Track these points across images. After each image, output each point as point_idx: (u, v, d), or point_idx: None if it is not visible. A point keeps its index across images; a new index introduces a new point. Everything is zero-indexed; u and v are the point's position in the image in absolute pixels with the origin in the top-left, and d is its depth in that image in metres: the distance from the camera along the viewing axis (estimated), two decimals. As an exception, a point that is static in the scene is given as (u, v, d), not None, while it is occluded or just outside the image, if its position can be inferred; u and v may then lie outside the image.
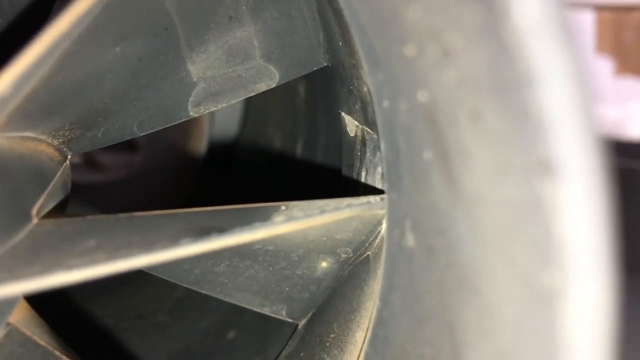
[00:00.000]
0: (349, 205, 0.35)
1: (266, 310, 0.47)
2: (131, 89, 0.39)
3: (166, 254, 0.30)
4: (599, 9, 1.95)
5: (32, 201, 0.32)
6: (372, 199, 0.36)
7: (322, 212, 0.34)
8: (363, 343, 0.38)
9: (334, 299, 0.44)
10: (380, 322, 0.34)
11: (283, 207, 0.35)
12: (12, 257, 0.28)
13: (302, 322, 0.48)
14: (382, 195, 0.36)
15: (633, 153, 1.40)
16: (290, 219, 0.33)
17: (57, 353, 0.33)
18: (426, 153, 0.25)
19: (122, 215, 0.33)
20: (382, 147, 0.32)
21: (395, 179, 0.31)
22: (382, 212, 0.36)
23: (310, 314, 0.47)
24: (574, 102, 0.16)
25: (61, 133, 0.39)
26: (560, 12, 0.15)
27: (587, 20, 1.98)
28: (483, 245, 0.22)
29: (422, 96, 0.24)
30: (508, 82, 0.17)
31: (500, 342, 0.21)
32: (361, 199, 0.36)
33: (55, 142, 0.39)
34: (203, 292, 0.45)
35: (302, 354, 0.47)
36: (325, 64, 0.45)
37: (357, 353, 0.39)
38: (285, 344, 0.50)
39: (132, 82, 0.38)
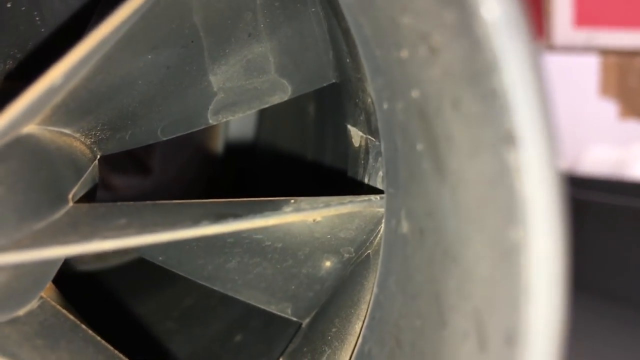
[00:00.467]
0: (351, 202, 0.39)
1: (272, 308, 0.50)
2: (158, 95, 0.43)
3: (188, 232, 0.33)
4: (605, 52, 2.00)
5: (69, 187, 0.36)
6: (373, 197, 0.40)
7: (327, 205, 0.38)
8: (360, 330, 0.41)
9: (336, 297, 0.47)
10: (377, 305, 0.37)
11: (292, 201, 0.38)
12: (53, 229, 0.32)
13: (305, 321, 0.51)
14: (382, 195, 0.40)
15: (636, 192, 1.44)
16: (298, 209, 0.37)
17: (84, 327, 0.37)
18: (419, 145, 0.29)
19: (147, 202, 0.37)
20: (383, 147, 0.36)
21: (393, 175, 0.35)
22: (382, 210, 0.40)
23: (314, 313, 0.50)
24: (530, 82, 0.19)
25: (93, 133, 0.43)
26: (519, 9, 0.19)
27: (592, 64, 2.03)
28: (463, 217, 0.25)
29: (415, 93, 0.28)
30: (480, 69, 0.21)
31: (475, 300, 0.25)
32: (362, 197, 0.40)
33: (88, 141, 0.43)
34: (215, 288, 0.49)
35: (304, 349, 0.50)
36: (334, 81, 0.49)
37: (356, 341, 0.42)
38: (289, 342, 0.53)
39: (159, 88, 0.43)
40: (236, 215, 0.35)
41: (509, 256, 0.22)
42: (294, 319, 0.51)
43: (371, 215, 0.41)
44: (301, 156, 0.65)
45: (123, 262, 0.81)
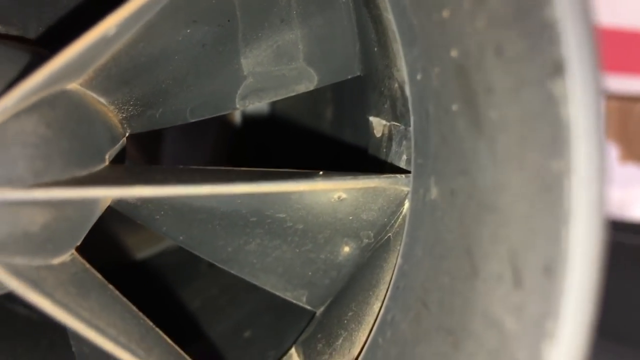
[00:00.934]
0: (378, 177, 0.40)
1: (288, 295, 0.50)
2: (191, 73, 0.44)
3: (224, 188, 0.34)
4: (606, 97, 2.02)
5: (106, 148, 0.37)
6: (399, 175, 0.41)
7: (355, 178, 0.39)
8: (380, 309, 0.42)
9: (353, 283, 0.48)
10: (401, 275, 0.38)
11: (321, 173, 0.39)
12: (95, 176, 0.32)
13: (320, 310, 0.52)
14: (407, 174, 0.41)
15: (635, 231, 1.47)
16: (328, 178, 0.38)
17: (111, 287, 0.38)
18: (454, 106, 0.30)
19: (181, 167, 0.38)
20: (412, 120, 0.37)
21: (422, 145, 0.36)
22: (406, 189, 0.41)
23: (328, 301, 0.51)
24: (580, 13, 0.21)
25: (126, 107, 0.44)
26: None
27: (592, 108, 2.05)
28: (501, 163, 0.27)
29: (454, 53, 0.29)
30: (529, 4, 0.22)
31: (510, 241, 0.26)
32: (388, 175, 0.41)
33: (120, 116, 0.44)
34: (232, 271, 0.49)
35: (319, 336, 0.50)
36: (359, 74, 0.50)
37: (374, 320, 0.43)
38: (302, 331, 0.54)
39: (193, 67, 0.44)
40: (269, 179, 0.36)
41: (550, 188, 0.23)
42: (308, 307, 0.51)
43: (395, 195, 0.41)
44: (318, 153, 0.66)
45: (132, 262, 0.81)
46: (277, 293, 0.50)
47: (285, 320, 0.60)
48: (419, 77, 0.35)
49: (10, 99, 0.27)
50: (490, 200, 0.27)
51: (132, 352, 0.33)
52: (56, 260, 0.34)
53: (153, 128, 0.47)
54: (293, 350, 0.53)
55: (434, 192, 0.34)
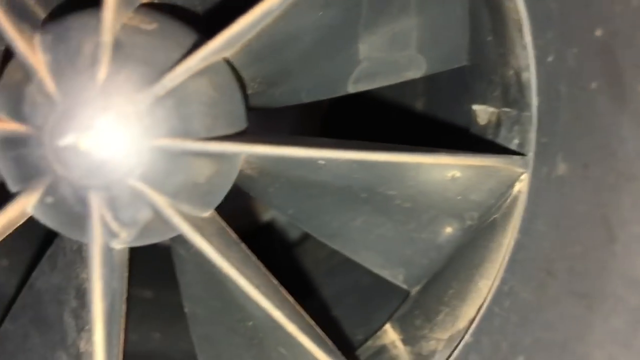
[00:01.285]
0: (495, 157, 0.42)
1: (385, 273, 0.52)
2: (314, 55, 0.47)
3: (365, 155, 0.36)
4: None
5: (243, 112, 0.40)
6: (514, 156, 0.42)
7: (474, 155, 0.41)
8: (490, 288, 0.43)
9: (453, 263, 0.49)
10: (520, 248, 0.40)
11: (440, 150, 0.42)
12: (249, 137, 0.35)
13: (415, 289, 0.53)
14: (524, 156, 0.42)
15: None
16: (450, 154, 0.40)
17: (244, 245, 0.40)
18: (593, 84, 0.32)
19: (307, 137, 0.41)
20: (537, 102, 0.39)
21: (548, 125, 0.38)
22: (520, 170, 0.42)
23: (424, 281, 0.52)
24: None
25: (252, 84, 0.46)
26: None
27: None
28: (648, 134, 0.28)
29: (598, 32, 0.31)
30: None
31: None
32: (503, 155, 0.42)
33: (246, 92, 0.47)
34: (335, 247, 0.51)
35: (416, 312, 0.52)
36: (465, 64, 0.52)
37: (481, 300, 0.44)
38: (397, 309, 0.55)
39: (317, 48, 0.46)
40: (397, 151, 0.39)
41: None
42: (404, 286, 0.52)
43: (508, 176, 0.43)
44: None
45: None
46: (375, 270, 0.52)
47: (372, 301, 0.62)
48: (550, 59, 0.37)
49: (193, 60, 0.30)
50: (633, 169, 0.29)
51: (272, 301, 0.35)
52: (205, 214, 0.36)
53: (269, 106, 0.50)
54: (388, 326, 0.55)
55: (561, 168, 0.36)
